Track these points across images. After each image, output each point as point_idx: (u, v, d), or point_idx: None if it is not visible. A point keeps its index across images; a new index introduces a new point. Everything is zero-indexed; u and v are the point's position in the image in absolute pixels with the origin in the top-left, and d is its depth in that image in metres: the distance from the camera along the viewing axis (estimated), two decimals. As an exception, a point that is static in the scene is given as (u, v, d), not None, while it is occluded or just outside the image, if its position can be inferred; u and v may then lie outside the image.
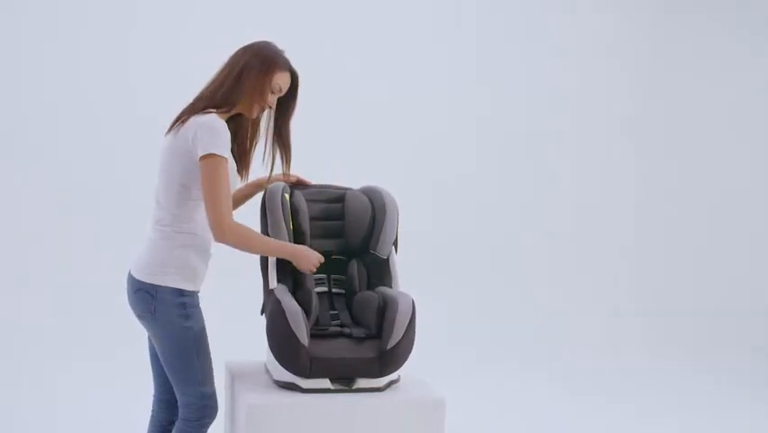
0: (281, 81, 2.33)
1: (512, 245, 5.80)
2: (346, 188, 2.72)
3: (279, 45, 2.38)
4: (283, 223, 2.45)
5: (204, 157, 2.16)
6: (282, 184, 2.55)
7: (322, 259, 2.38)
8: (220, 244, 2.24)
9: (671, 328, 5.94)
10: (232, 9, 5.23)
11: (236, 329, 3.91)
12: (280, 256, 2.37)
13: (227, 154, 2.20)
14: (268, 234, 2.45)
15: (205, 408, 2.28)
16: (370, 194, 2.64)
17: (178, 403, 2.31)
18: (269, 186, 2.53)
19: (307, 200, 2.61)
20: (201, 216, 2.27)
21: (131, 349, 3.70)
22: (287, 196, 2.52)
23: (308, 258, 2.35)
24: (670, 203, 6.17)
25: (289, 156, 2.47)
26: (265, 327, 2.35)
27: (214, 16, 5.21)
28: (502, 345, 5.37)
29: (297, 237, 2.52)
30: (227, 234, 2.19)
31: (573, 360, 5.32)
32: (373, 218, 2.57)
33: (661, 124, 6.16)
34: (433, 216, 5.59)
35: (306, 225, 2.54)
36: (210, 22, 5.19)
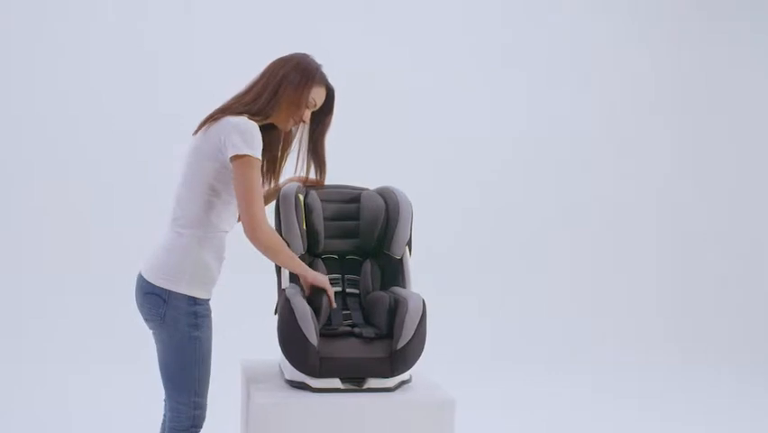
0: (317, 96, 2.35)
1: (530, 245, 5.77)
2: (362, 189, 2.72)
3: (318, 58, 2.39)
4: (296, 222, 2.46)
5: (237, 157, 2.15)
6: (297, 184, 2.55)
7: (331, 295, 2.36)
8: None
9: (680, 329, 5.85)
10: (244, 7, 5.25)
11: (255, 328, 3.92)
12: (298, 274, 2.34)
13: (260, 156, 2.19)
14: (281, 234, 2.45)
15: (195, 417, 2.27)
16: (384, 194, 2.64)
17: (167, 409, 2.30)
18: (284, 186, 2.54)
19: (322, 200, 2.61)
20: (223, 221, 2.27)
21: (145, 350, 3.74)
22: (300, 196, 2.53)
23: (321, 285, 2.33)
24: (693, 202, 6.07)
25: (324, 171, 2.50)
26: (276, 326, 2.36)
27: (230, 15, 5.24)
28: (515, 345, 5.35)
29: (311, 237, 2.53)
30: (260, 233, 2.17)
31: (588, 360, 5.30)
32: (387, 219, 2.57)
33: (690, 128, 6.09)
34: (452, 216, 5.57)
35: (319, 225, 2.55)
36: (226, 20, 5.22)
